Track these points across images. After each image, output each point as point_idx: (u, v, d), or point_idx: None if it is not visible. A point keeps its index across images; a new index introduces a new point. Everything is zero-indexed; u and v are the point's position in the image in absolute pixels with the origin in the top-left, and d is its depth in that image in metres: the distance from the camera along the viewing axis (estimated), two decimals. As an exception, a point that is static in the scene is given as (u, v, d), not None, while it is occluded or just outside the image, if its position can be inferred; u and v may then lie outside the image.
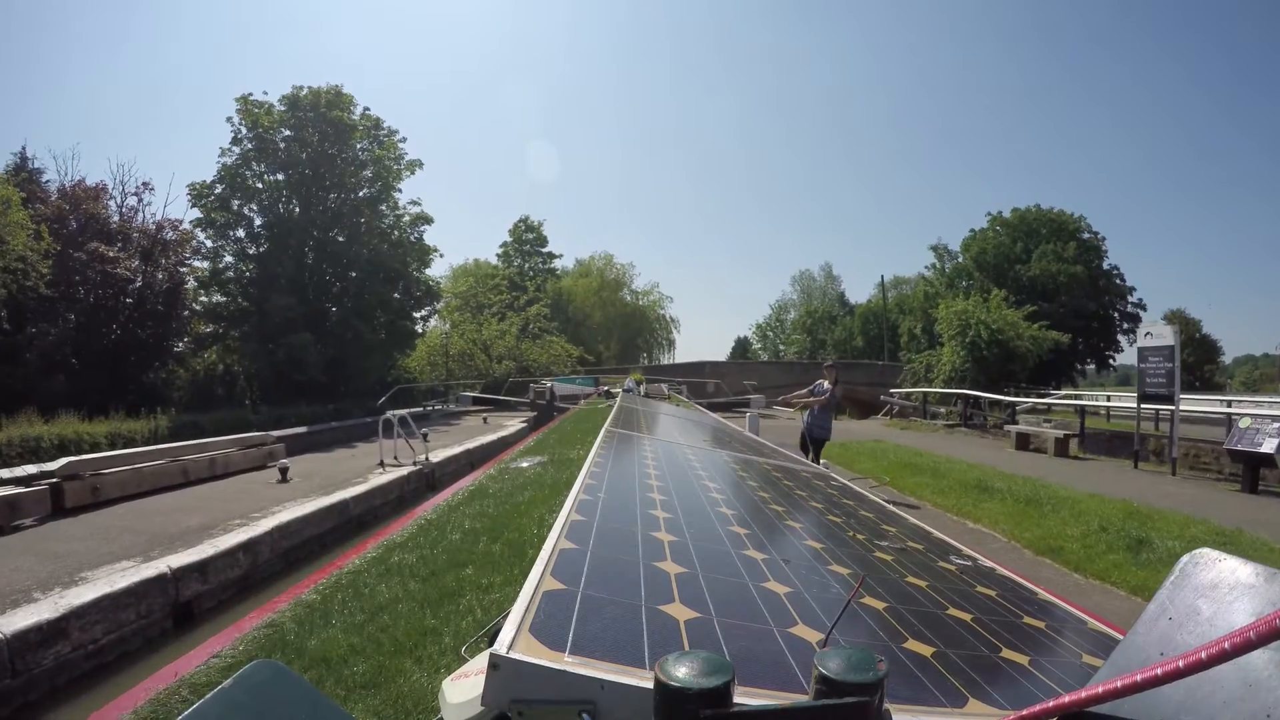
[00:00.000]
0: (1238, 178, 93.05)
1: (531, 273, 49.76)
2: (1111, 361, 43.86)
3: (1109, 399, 20.20)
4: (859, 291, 69.11)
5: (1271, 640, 0.49)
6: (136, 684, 1.91)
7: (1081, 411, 15.54)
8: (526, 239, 51.80)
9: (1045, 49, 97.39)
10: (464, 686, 1.01)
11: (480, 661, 1.05)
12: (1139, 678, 0.56)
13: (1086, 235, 41.53)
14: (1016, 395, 19.35)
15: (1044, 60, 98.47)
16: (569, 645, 0.80)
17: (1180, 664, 0.53)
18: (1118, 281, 42.19)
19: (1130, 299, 42.71)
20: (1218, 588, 0.70)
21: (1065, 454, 12.07)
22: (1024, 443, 13.24)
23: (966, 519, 6.93)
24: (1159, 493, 8.08)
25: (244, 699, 0.70)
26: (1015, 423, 15.61)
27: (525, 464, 5.71)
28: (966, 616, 1.35)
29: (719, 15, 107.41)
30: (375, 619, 2.40)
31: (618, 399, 9.26)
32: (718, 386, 29.82)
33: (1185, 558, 0.77)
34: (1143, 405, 11.12)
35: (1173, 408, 10.39)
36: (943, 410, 21.61)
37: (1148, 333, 11.08)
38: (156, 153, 69.51)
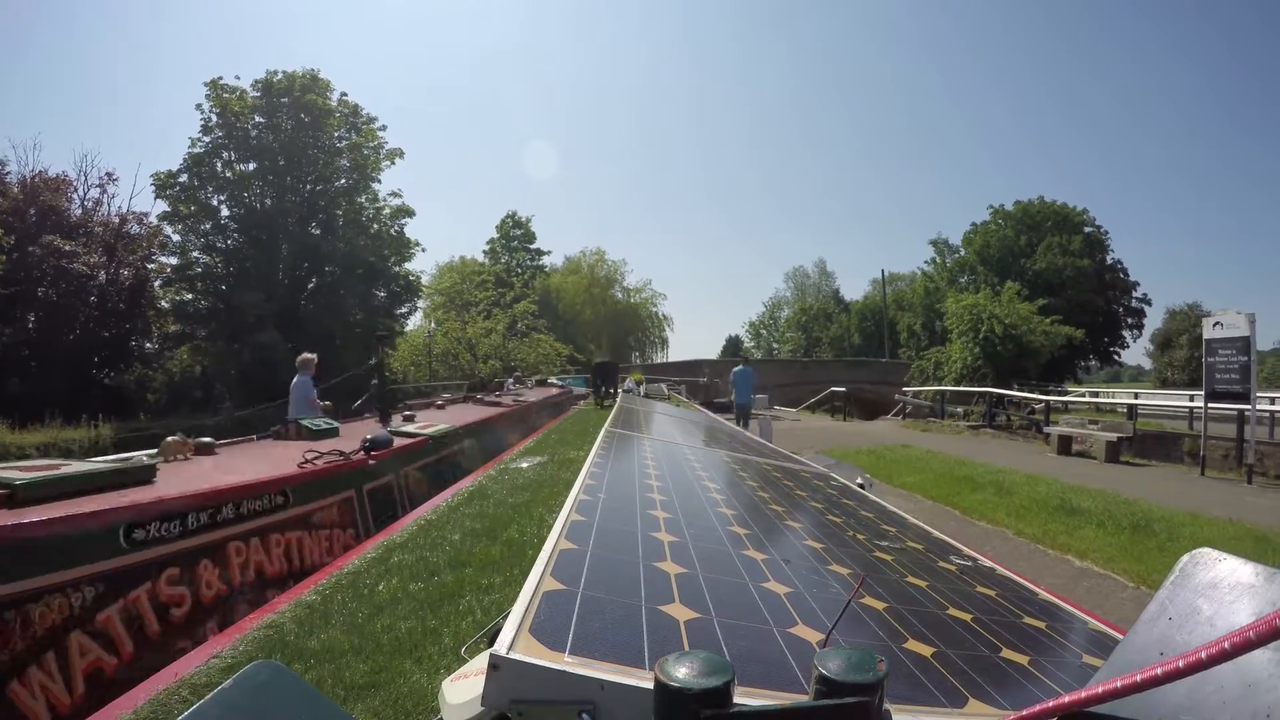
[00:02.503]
0: (1242, 172, 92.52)
1: (519, 269, 49.13)
2: (1117, 357, 43.60)
3: (1135, 395, 19.51)
4: (854, 288, 69.04)
5: (1272, 640, 0.49)
6: (136, 684, 1.91)
7: (1132, 412, 14.82)
8: (514, 235, 51.18)
9: (1044, 39, 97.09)
10: (464, 687, 1.01)
11: (480, 662, 1.05)
12: (1139, 678, 0.56)
13: (1090, 229, 41.18)
14: (1027, 392, 18.49)
15: (1043, 51, 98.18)
16: (569, 645, 0.80)
17: (1180, 664, 0.53)
18: (1122, 276, 41.87)
19: (1135, 294, 42.43)
20: (1218, 587, 0.70)
21: (1117, 459, 11.19)
22: (1066, 446, 12.30)
23: (1069, 554, 5.71)
24: (1252, 507, 7.26)
25: (244, 700, 0.70)
26: (1047, 423, 14.63)
27: (525, 464, 5.71)
28: (966, 617, 1.35)
29: (715, 8, 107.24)
30: (375, 619, 2.40)
31: (617, 399, 9.25)
32: (717, 386, 29.66)
33: (1185, 557, 0.77)
34: (1211, 405, 9.86)
35: (1248, 407, 9.17)
36: (960, 410, 20.67)
37: (1217, 322, 9.73)
38: (128, 143, 68.52)
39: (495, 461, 6.25)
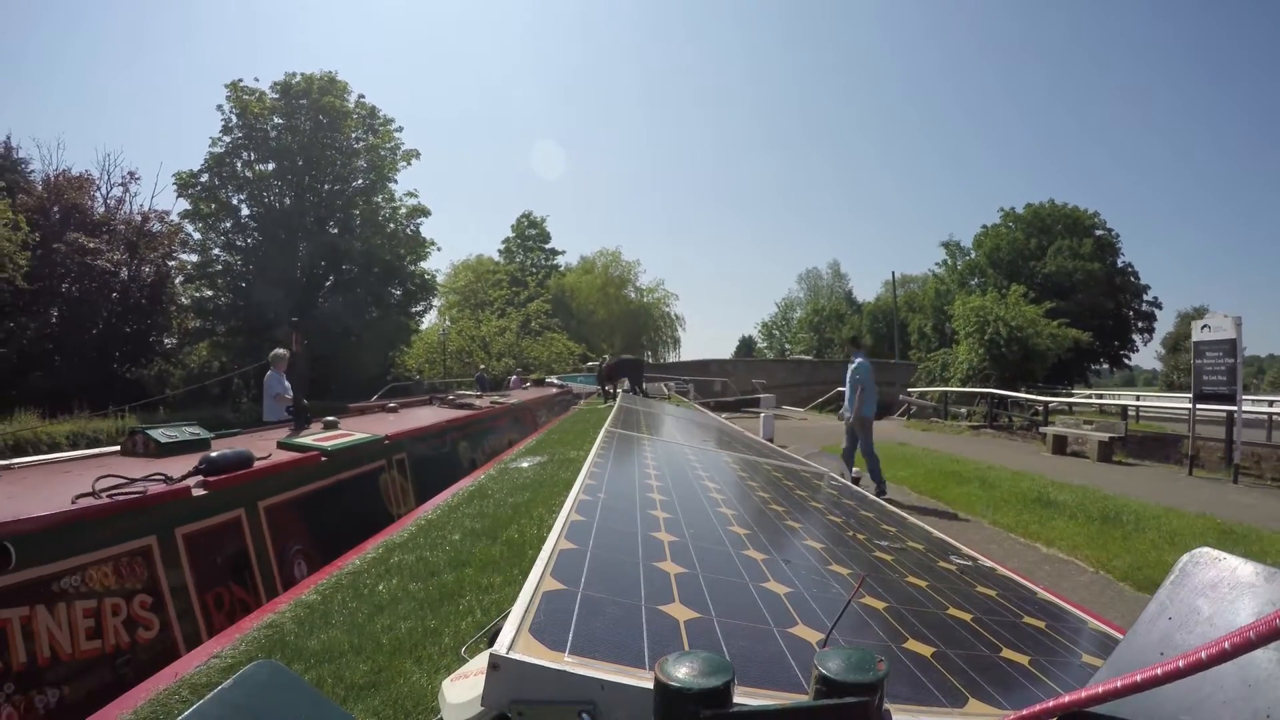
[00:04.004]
0: (1256, 173, 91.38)
1: (534, 269, 49.42)
2: (1127, 361, 43.51)
3: (1137, 398, 19.47)
4: (866, 290, 68.95)
5: (1272, 640, 0.49)
6: (136, 684, 1.92)
7: (1124, 413, 14.91)
8: (529, 234, 51.60)
9: (1056, 41, 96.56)
10: (463, 687, 1.01)
11: (480, 662, 1.05)
12: (1139, 678, 0.56)
13: (1100, 232, 41.14)
14: (1032, 395, 18.35)
15: (1055, 53, 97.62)
16: (569, 645, 0.80)
17: (1180, 664, 0.53)
18: (1132, 279, 41.80)
19: (1145, 297, 42.34)
20: (1218, 587, 0.70)
21: (1109, 459, 11.34)
22: (1061, 446, 12.47)
23: (1037, 541, 6.00)
24: (1229, 503, 7.44)
25: (244, 699, 0.70)
26: (1046, 424, 14.69)
27: (525, 464, 5.71)
28: (966, 616, 1.36)
29: (728, 10, 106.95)
30: (375, 619, 2.40)
31: (618, 399, 9.26)
32: (725, 385, 29.74)
33: (1185, 557, 0.77)
34: (1199, 406, 9.98)
35: (1234, 408, 9.38)
36: (963, 410, 20.69)
37: (1204, 325, 9.91)
38: (152, 143, 68.64)
39: (495, 461, 6.22)
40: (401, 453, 5.93)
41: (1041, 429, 14.31)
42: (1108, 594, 4.68)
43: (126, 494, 3.17)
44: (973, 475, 8.87)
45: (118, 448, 4.55)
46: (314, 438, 5.22)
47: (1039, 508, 6.94)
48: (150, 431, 4.42)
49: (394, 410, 8.34)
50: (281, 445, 4.86)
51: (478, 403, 9.93)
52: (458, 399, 10.00)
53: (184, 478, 3.57)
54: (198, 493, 3.55)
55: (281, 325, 24.43)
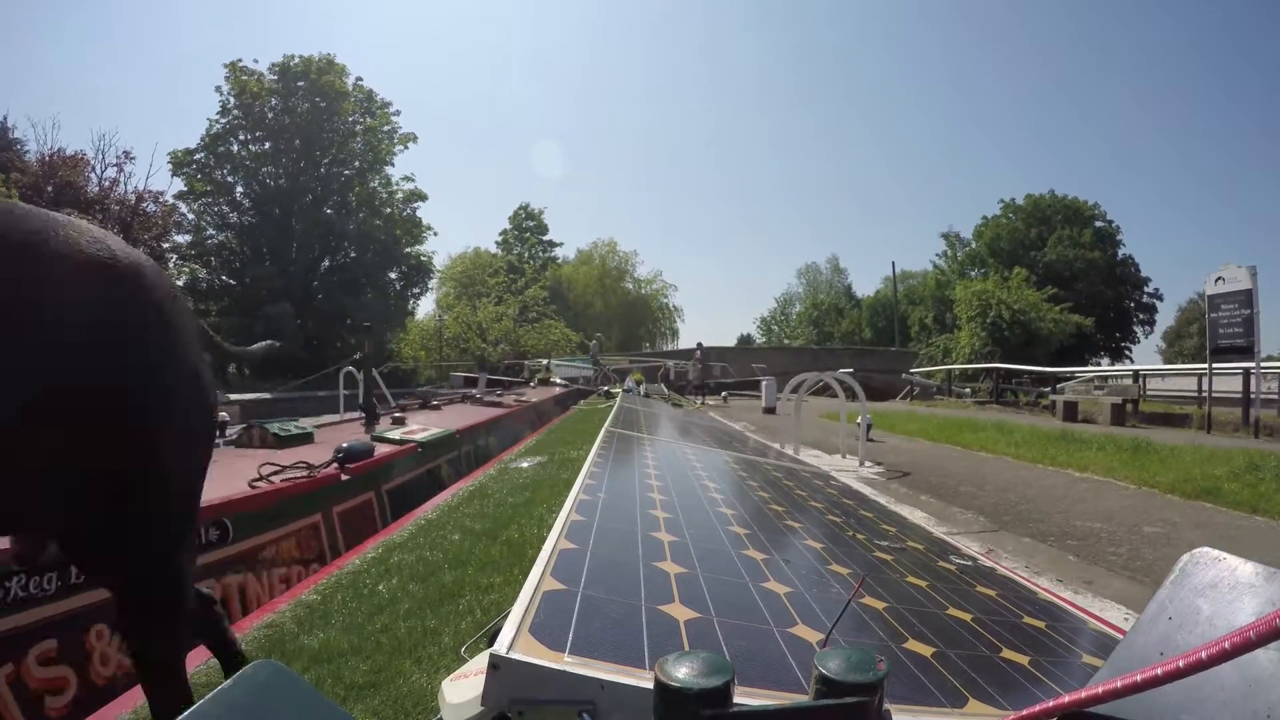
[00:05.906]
0: (1258, 173, 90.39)
1: (531, 260, 49.37)
2: (1127, 353, 43.24)
3: (1135, 374, 19.23)
4: (866, 284, 68.21)
5: (1272, 640, 0.49)
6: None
7: (1136, 376, 14.34)
8: (526, 226, 51.37)
9: (1055, 32, 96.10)
10: (463, 687, 1.01)
11: (480, 662, 1.05)
12: (1139, 678, 0.56)
13: (1101, 223, 41.01)
14: (1035, 377, 17.86)
15: (1054, 44, 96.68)
16: (569, 645, 0.80)
17: (1180, 664, 0.53)
18: (1133, 270, 41.59)
19: (1146, 289, 42.08)
20: (1218, 587, 0.70)
21: (1122, 423, 10.87)
22: (1072, 413, 11.96)
23: (1069, 468, 5.71)
24: (1255, 451, 6.86)
25: (244, 699, 0.70)
26: (1056, 394, 14.15)
27: (525, 464, 5.71)
28: (966, 616, 1.36)
29: (726, 5, 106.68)
30: (374, 619, 2.40)
31: (618, 399, 9.28)
32: (724, 369, 30.07)
33: (1185, 557, 0.77)
34: (1215, 364, 9.59)
35: (1251, 364, 8.99)
36: (968, 389, 20.09)
37: (1219, 277, 9.32)
38: (148, 126, 68.02)
39: (495, 461, 6.25)
40: (468, 443, 7.06)
41: (1051, 397, 13.86)
42: (1155, 503, 4.42)
43: (298, 479, 3.77)
44: (987, 424, 8.74)
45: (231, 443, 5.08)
46: (402, 432, 5.95)
47: (1064, 443, 6.72)
48: (268, 426, 5.03)
49: (437, 408, 9.38)
50: (376, 439, 5.44)
51: (506, 400, 11.42)
52: (484, 397, 11.46)
53: (327, 464, 4.11)
54: (343, 478, 4.17)
55: (279, 301, 24.51)
